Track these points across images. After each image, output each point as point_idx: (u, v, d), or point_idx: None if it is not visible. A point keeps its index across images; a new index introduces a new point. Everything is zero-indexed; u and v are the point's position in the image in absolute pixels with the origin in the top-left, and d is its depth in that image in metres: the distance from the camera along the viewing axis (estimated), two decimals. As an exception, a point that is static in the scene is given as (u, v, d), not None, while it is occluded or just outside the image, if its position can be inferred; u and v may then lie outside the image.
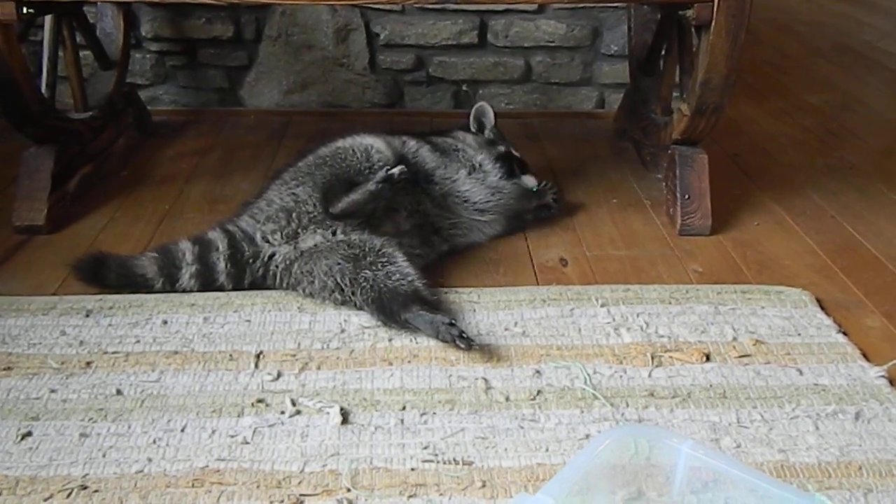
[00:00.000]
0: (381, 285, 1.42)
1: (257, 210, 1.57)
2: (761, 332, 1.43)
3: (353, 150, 1.59)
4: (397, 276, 1.43)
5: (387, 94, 2.54)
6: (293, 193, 1.55)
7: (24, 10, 1.59)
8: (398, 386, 1.29)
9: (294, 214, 1.53)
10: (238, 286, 1.53)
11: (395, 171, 1.52)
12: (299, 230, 1.52)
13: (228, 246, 1.52)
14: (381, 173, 1.52)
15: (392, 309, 1.39)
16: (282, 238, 1.52)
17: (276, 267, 1.52)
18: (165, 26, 2.44)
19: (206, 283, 1.52)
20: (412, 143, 1.74)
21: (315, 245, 1.50)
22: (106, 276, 1.52)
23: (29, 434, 1.18)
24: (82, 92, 2.00)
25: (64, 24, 1.91)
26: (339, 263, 1.46)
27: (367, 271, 1.44)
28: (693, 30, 1.75)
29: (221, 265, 1.51)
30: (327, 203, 1.52)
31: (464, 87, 2.54)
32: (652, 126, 2.05)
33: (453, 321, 1.35)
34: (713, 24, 1.61)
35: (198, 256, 1.51)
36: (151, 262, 1.52)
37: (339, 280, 1.45)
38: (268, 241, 1.53)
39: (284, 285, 1.52)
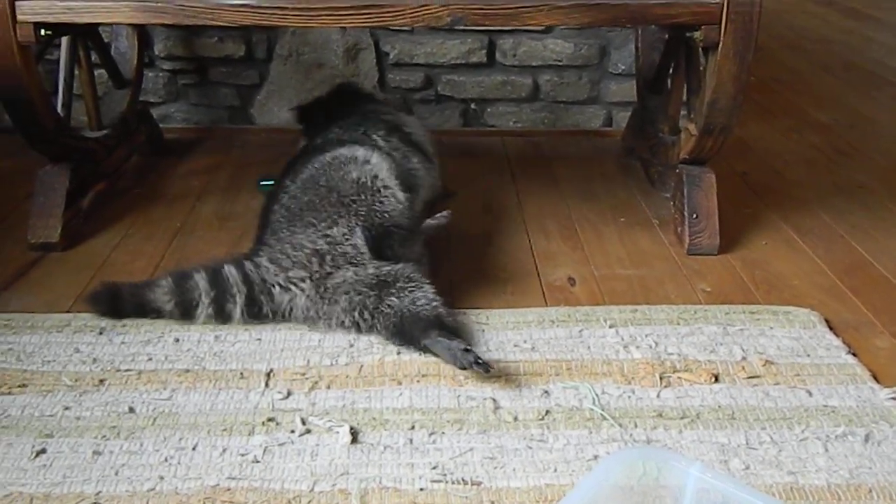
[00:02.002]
0: (405, 310, 1.42)
1: (282, 256, 1.49)
2: (770, 352, 1.43)
3: (371, 185, 1.56)
4: (422, 300, 1.43)
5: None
6: (326, 235, 1.49)
7: (43, 31, 1.61)
8: (407, 405, 1.29)
9: (328, 258, 1.48)
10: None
11: (446, 219, 1.58)
12: (332, 271, 1.48)
13: (247, 299, 1.48)
14: (442, 220, 1.58)
15: (413, 335, 1.39)
16: (311, 283, 1.47)
17: (297, 310, 1.49)
18: (178, 45, 2.47)
19: (222, 321, 1.50)
20: (408, 158, 1.76)
21: (343, 281, 1.47)
22: (121, 308, 1.50)
23: (43, 451, 1.19)
24: (97, 110, 2.02)
25: (80, 44, 1.94)
26: (360, 295, 1.45)
27: (392, 298, 1.43)
28: (700, 50, 1.76)
29: (238, 313, 1.48)
30: (380, 250, 1.50)
31: (472, 106, 2.56)
32: (660, 145, 2.06)
33: (469, 347, 1.35)
34: (720, 45, 1.62)
35: (214, 299, 1.47)
36: (167, 296, 1.48)
37: (358, 316, 1.44)
38: (293, 286, 1.48)
39: (302, 322, 1.49)
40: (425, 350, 1.40)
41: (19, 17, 1.58)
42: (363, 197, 1.53)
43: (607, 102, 2.56)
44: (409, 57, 2.49)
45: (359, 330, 1.46)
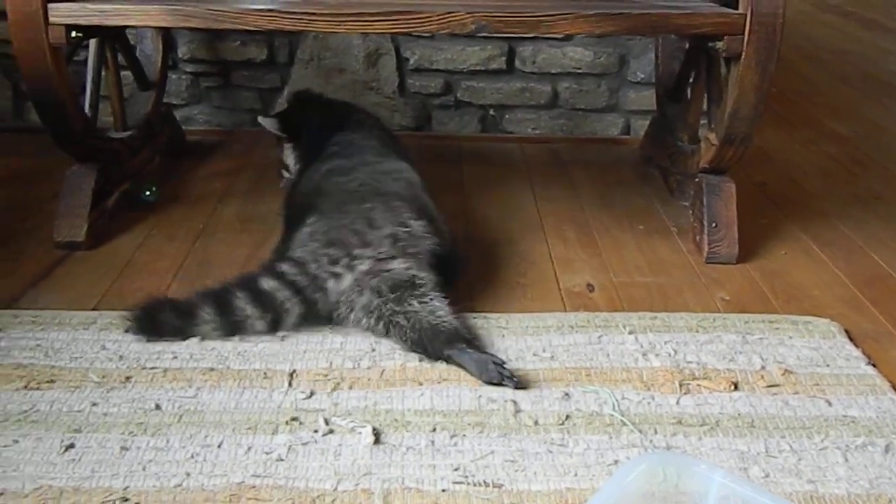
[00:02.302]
0: (424, 322, 1.42)
1: (351, 234, 1.50)
2: (790, 362, 1.44)
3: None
4: (440, 312, 1.44)
5: (415, 118, 2.57)
6: (406, 224, 1.52)
7: (73, 33, 1.64)
8: (428, 407, 1.31)
9: (399, 244, 1.50)
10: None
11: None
12: (389, 260, 1.49)
13: (301, 303, 1.47)
14: None
15: (434, 346, 1.40)
16: (367, 265, 1.48)
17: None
18: (201, 48, 2.49)
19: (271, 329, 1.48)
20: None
21: (382, 273, 1.48)
22: (164, 329, 1.46)
23: (72, 446, 1.21)
24: (122, 112, 2.05)
25: (107, 46, 1.96)
26: (380, 297, 1.46)
27: (413, 304, 1.44)
28: (722, 60, 1.77)
29: (293, 319, 1.48)
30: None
31: (491, 112, 2.58)
32: (679, 154, 2.07)
33: (499, 360, 1.37)
34: (743, 55, 1.63)
35: (260, 316, 1.46)
36: (211, 325, 1.45)
37: (374, 319, 1.46)
38: (346, 269, 1.48)
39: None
40: (448, 360, 1.40)
41: (51, 19, 1.61)
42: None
43: (626, 110, 2.58)
44: (429, 62, 2.51)
45: (372, 331, 1.47)
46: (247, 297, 1.45)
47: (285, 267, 1.48)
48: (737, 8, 1.67)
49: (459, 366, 1.39)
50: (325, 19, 1.57)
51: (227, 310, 1.45)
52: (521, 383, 1.34)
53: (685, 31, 1.66)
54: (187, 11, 1.58)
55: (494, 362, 1.35)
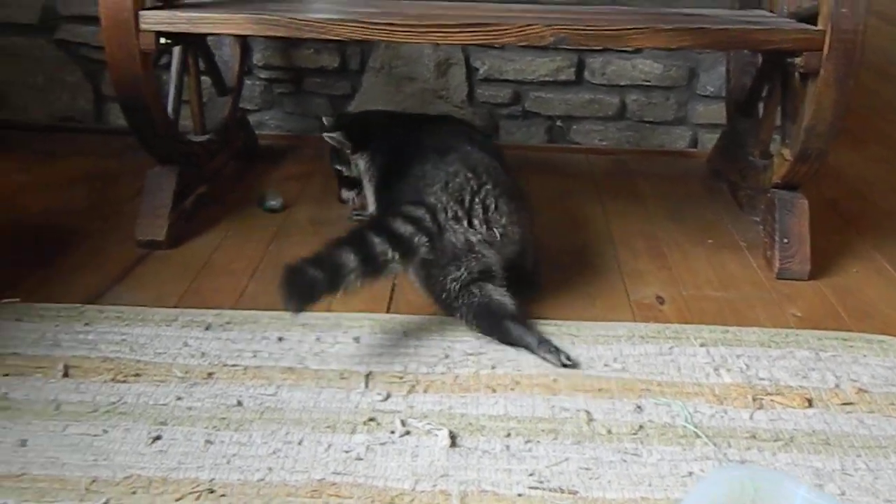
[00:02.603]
0: (494, 297, 1.52)
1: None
2: (864, 380, 1.43)
3: None
4: (509, 299, 1.53)
5: (483, 127, 2.60)
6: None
7: (162, 40, 1.70)
8: (502, 413, 1.33)
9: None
10: None
11: None
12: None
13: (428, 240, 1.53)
14: None
15: (497, 319, 1.50)
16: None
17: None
18: (276, 55, 2.56)
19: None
20: None
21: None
22: (315, 290, 1.42)
23: (159, 438, 1.25)
24: (202, 116, 2.11)
25: (190, 52, 2.03)
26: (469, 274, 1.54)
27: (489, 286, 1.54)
28: (798, 76, 1.77)
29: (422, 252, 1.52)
30: None
31: (558, 123, 2.60)
32: (750, 169, 2.06)
33: (550, 343, 1.48)
34: (821, 72, 1.63)
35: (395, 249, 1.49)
36: (354, 269, 1.45)
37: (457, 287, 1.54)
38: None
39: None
40: (508, 334, 1.49)
41: (142, 26, 1.68)
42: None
43: (694, 124, 2.57)
44: (499, 73, 2.54)
45: (445, 302, 1.55)
46: (384, 241, 1.48)
47: (419, 213, 1.53)
48: (814, 24, 1.66)
49: (518, 341, 1.48)
50: (406, 30, 1.61)
51: (367, 254, 1.46)
52: (572, 362, 1.45)
53: (764, 46, 1.66)
54: (273, 21, 1.63)
55: (552, 346, 1.46)
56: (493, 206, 1.57)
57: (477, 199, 1.57)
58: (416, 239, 1.51)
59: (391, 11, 1.75)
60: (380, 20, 1.62)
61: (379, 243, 1.47)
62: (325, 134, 1.92)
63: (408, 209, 1.54)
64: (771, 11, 1.94)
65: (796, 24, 1.72)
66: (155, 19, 1.67)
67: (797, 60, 1.67)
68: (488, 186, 1.58)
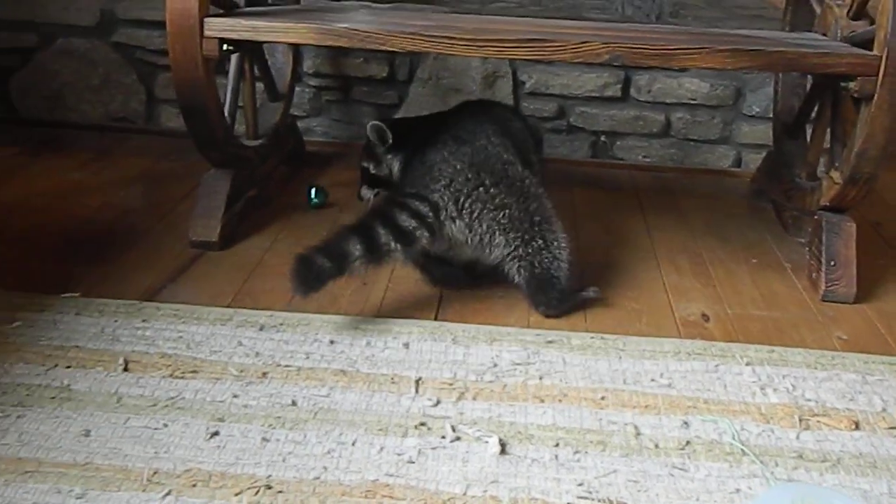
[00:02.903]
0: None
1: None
2: (911, 405, 1.44)
3: None
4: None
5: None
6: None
7: (225, 47, 1.75)
8: (550, 423, 1.35)
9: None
10: None
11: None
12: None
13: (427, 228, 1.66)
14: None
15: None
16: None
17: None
18: (326, 63, 2.61)
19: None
20: None
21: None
22: (322, 275, 1.57)
23: (216, 433, 1.29)
24: (255, 121, 2.16)
25: (247, 59, 2.08)
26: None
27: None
28: (851, 100, 1.78)
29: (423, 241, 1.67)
30: None
31: (602, 138, 2.62)
32: (796, 190, 2.07)
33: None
34: (875, 97, 1.63)
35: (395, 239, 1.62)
36: (359, 256, 1.59)
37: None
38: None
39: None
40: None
41: (206, 33, 1.72)
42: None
43: (738, 143, 2.58)
44: (545, 87, 2.56)
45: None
46: (388, 232, 1.61)
47: (424, 209, 1.64)
48: (869, 48, 1.68)
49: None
50: (465, 43, 1.64)
51: (372, 244, 1.59)
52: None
53: (818, 70, 1.67)
54: (336, 31, 1.67)
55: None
56: (477, 212, 1.67)
57: (468, 202, 1.67)
58: (419, 233, 1.63)
59: (448, 25, 1.78)
60: (439, 33, 1.65)
61: (384, 234, 1.60)
62: (370, 123, 1.96)
63: (415, 204, 1.65)
64: (823, 35, 1.94)
65: (851, 48, 1.73)
66: (219, 26, 1.72)
67: (851, 85, 1.68)
68: (481, 190, 1.67)
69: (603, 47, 1.61)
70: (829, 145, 1.99)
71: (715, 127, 2.56)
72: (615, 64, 1.59)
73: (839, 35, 1.87)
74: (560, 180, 2.47)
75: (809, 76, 2.15)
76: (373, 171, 2.01)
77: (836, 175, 1.80)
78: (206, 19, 1.72)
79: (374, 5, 2.52)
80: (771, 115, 2.40)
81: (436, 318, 1.68)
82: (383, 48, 1.68)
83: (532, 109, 2.59)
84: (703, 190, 2.45)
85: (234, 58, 2.04)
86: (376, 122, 1.95)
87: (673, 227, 2.17)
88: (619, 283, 1.86)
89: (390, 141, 1.94)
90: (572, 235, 2.06)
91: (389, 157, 1.98)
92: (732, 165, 2.60)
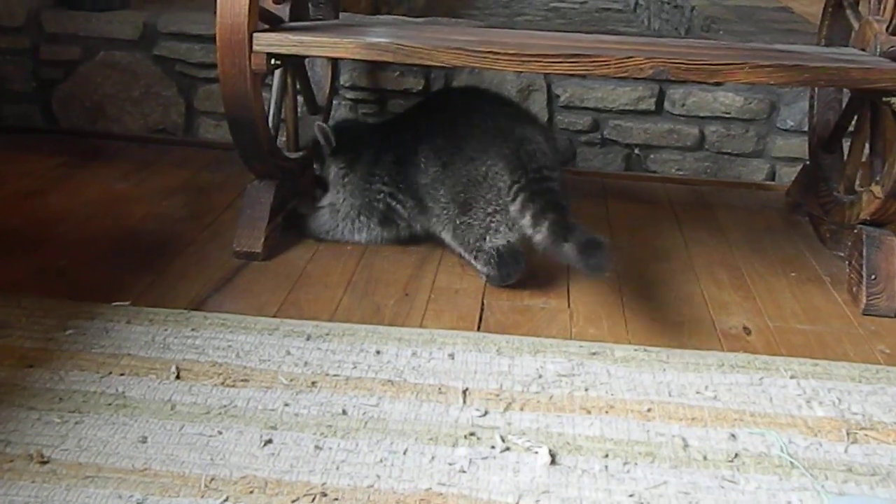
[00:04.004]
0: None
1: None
2: (959, 420, 1.43)
3: None
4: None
5: (561, 153, 2.64)
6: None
7: (273, 61, 1.77)
8: (598, 434, 1.36)
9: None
10: None
11: None
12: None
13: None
14: None
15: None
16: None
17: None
18: (363, 77, 2.63)
19: None
20: None
21: None
22: None
23: (270, 441, 1.31)
24: (296, 134, 2.19)
25: (289, 73, 2.10)
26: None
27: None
28: (892, 115, 1.78)
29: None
30: None
31: (635, 151, 2.62)
32: (834, 204, 2.07)
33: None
34: (918, 111, 1.64)
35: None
36: None
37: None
38: None
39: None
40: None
41: (255, 47, 1.75)
42: None
43: (772, 157, 2.58)
44: (580, 100, 2.57)
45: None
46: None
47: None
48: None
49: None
50: (509, 58, 1.66)
51: None
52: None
53: (861, 85, 1.67)
54: (381, 46, 1.70)
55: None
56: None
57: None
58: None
59: (491, 40, 1.80)
60: (483, 49, 1.67)
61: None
62: (317, 124, 2.06)
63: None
64: (861, 50, 1.95)
65: (893, 63, 1.73)
66: (268, 41, 1.74)
67: (893, 100, 1.68)
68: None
69: (647, 62, 1.62)
70: (867, 159, 1.98)
71: (749, 140, 2.56)
72: (659, 79, 1.60)
73: (878, 50, 1.87)
74: (594, 193, 2.48)
75: (846, 90, 2.15)
76: (317, 173, 2.11)
77: (877, 189, 1.80)
78: (254, 34, 1.75)
79: (410, 20, 2.54)
80: (805, 129, 2.40)
81: (478, 329, 1.69)
82: (428, 63, 1.70)
83: (566, 123, 2.60)
84: (738, 203, 2.45)
85: (277, 72, 2.06)
86: (321, 124, 2.03)
87: (710, 240, 2.17)
88: (659, 296, 1.86)
89: (333, 144, 2.02)
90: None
91: (330, 160, 2.05)
92: (767, 179, 2.60)
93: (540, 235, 1.73)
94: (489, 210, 1.82)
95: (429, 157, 1.92)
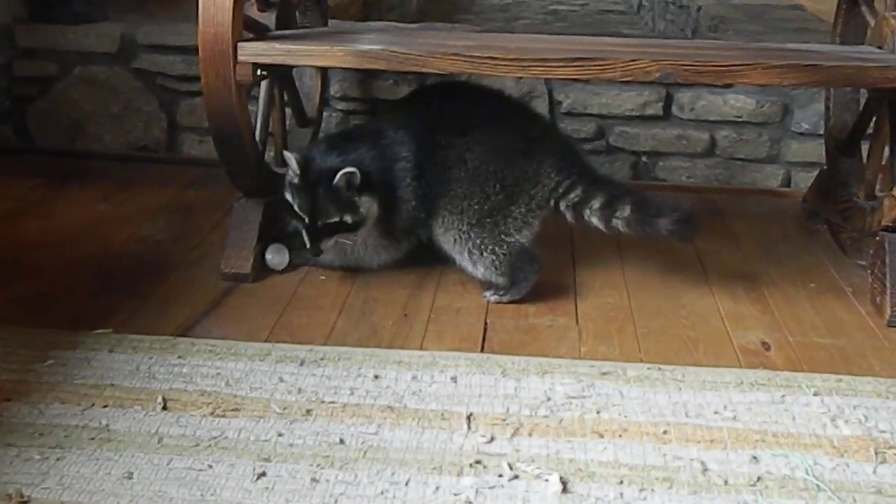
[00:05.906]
0: None
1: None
2: None
3: None
4: None
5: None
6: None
7: (259, 72, 1.78)
8: (612, 459, 1.35)
9: None
10: None
11: None
12: None
13: None
14: None
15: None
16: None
17: None
18: (354, 87, 2.64)
19: None
20: None
21: None
22: None
23: (263, 474, 1.30)
24: (285, 148, 2.18)
25: (277, 84, 2.11)
26: None
27: None
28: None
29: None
30: None
31: (643, 158, 2.63)
32: (854, 210, 2.07)
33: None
34: (941, 111, 1.64)
35: None
36: None
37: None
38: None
39: None
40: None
41: (240, 58, 1.75)
42: None
43: (787, 162, 2.58)
44: (583, 107, 2.58)
45: None
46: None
47: None
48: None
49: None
50: (508, 64, 1.66)
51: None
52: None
53: (880, 84, 1.68)
54: (373, 53, 1.70)
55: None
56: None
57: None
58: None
59: (489, 45, 1.81)
60: (481, 54, 1.67)
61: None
62: (285, 153, 1.98)
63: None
64: (878, 48, 1.95)
65: (913, 61, 1.73)
66: (254, 51, 1.75)
67: (914, 100, 1.69)
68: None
69: (653, 65, 1.63)
70: (888, 162, 1.98)
71: (762, 145, 2.57)
72: (666, 82, 1.60)
73: (896, 47, 1.87)
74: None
75: (863, 90, 2.16)
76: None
77: (899, 194, 1.80)
78: (239, 44, 1.75)
79: (403, 26, 2.55)
80: (821, 132, 2.40)
81: (482, 350, 1.68)
82: (423, 70, 1.70)
83: (570, 130, 2.60)
84: (753, 211, 2.45)
85: (264, 83, 2.06)
86: (288, 152, 1.90)
87: (724, 250, 2.17)
88: (673, 310, 1.86)
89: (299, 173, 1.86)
90: (617, 261, 2.08)
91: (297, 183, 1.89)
92: (782, 185, 2.60)
93: (620, 221, 1.86)
94: (522, 210, 1.88)
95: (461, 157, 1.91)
